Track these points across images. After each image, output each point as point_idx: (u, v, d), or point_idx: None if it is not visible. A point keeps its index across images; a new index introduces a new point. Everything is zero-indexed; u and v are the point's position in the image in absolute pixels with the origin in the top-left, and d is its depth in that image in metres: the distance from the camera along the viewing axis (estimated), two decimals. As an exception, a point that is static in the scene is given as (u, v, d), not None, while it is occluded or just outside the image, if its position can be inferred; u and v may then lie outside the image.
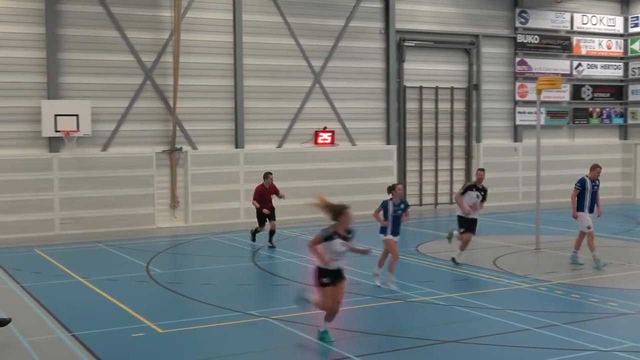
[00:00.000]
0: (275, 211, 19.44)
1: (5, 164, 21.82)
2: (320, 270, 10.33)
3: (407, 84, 27.72)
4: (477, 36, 28.83)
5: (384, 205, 14.17)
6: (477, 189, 16.36)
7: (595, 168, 16.26)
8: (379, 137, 27.38)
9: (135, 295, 13.81)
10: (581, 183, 16.10)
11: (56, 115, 21.89)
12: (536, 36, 29.96)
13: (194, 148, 24.31)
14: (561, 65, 30.58)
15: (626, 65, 32.00)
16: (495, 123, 29.58)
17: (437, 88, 28.28)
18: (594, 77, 31.46)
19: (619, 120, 32.13)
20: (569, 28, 30.76)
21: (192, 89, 24.02)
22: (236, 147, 24.81)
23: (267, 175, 19.30)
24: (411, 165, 28.12)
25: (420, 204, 28.04)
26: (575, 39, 30.87)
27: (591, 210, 16.06)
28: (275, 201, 19.51)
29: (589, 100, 31.39)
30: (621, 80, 32.07)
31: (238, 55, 24.59)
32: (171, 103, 23.61)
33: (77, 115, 22.11)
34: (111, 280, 15.20)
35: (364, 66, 26.83)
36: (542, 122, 27.97)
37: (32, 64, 22.11)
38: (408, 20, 27.54)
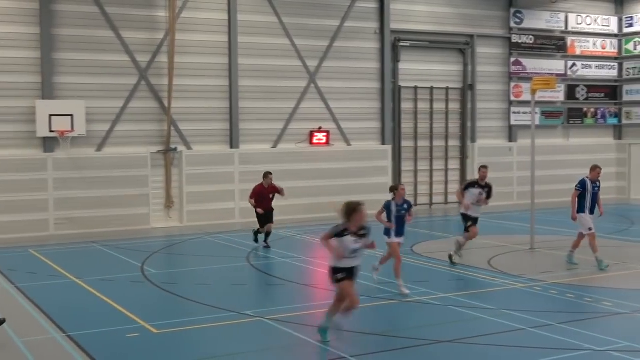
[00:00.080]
0: (274, 212, 19.32)
1: (0, 164, 21.78)
2: (334, 269, 10.30)
3: (402, 84, 27.74)
4: (472, 36, 28.86)
5: (387, 206, 13.97)
6: (480, 186, 16.33)
7: (595, 169, 16.13)
8: (374, 137, 27.39)
9: (130, 296, 13.79)
10: (581, 184, 15.98)
11: (51, 116, 21.85)
12: (531, 36, 30.00)
13: (189, 148, 24.29)
14: (556, 65, 30.63)
15: (620, 66, 32.06)
16: (490, 123, 29.62)
17: (432, 88, 28.31)
18: (589, 77, 31.52)
19: (613, 121, 32.20)
20: (563, 28, 30.82)
21: (187, 89, 24.00)
22: (231, 147, 24.80)
23: (266, 175, 19.13)
24: (406, 165, 28.14)
25: (415, 204, 28.00)
26: (569, 39, 30.93)
27: (592, 212, 15.95)
28: (275, 201, 19.39)
29: (584, 100, 31.46)
30: (615, 81, 32.14)
31: (233, 55, 24.58)
32: (166, 103, 23.58)
33: (71, 115, 22.07)
34: (106, 280, 15.18)
35: (359, 66, 26.84)
36: (537, 122, 28.02)
37: (26, 64, 22.06)
38: (403, 20, 27.56)
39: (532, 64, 30.04)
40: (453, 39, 28.67)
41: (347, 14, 26.50)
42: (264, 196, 19.03)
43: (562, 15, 30.67)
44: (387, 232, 14.07)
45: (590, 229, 15.80)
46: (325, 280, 15.66)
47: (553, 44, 30.60)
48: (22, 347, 10.48)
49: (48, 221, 22.28)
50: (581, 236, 16.00)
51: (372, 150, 27.19)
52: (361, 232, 10.27)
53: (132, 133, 23.48)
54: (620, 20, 31.89)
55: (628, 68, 31.80)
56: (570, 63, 30.98)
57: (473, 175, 28.75)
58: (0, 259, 17.92)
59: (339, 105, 26.54)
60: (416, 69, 27.94)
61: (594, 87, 31.58)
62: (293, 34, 25.62)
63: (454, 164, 29.13)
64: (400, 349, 10.00)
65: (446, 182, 28.83)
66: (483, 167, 16.77)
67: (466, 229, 16.38)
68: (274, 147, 25.58)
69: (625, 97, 31.95)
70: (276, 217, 19.51)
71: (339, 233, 10.16)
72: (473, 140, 29.20)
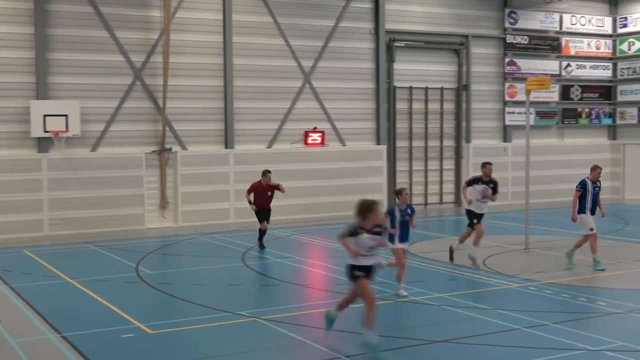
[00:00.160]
0: (271, 212, 19.23)
1: (-6, 164, 21.77)
2: (352, 266, 10.22)
3: (396, 84, 27.75)
4: (466, 36, 28.89)
5: (391, 213, 13.54)
6: (484, 182, 16.20)
7: (595, 169, 16.03)
8: (369, 137, 27.40)
9: (124, 296, 13.77)
10: (582, 185, 15.87)
11: (45, 116, 21.81)
12: (525, 37, 30.05)
13: (184, 148, 24.27)
14: (550, 65, 30.68)
15: (615, 66, 32.12)
16: (484, 123, 29.65)
17: (426, 88, 28.32)
18: (583, 77, 31.58)
19: (607, 121, 32.26)
20: (558, 28, 30.87)
21: (181, 89, 23.98)
22: (226, 148, 24.78)
23: (265, 173, 18.96)
24: (401, 166, 28.15)
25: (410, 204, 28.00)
26: (564, 40, 30.99)
27: (593, 212, 15.85)
28: (273, 201, 19.31)
29: (578, 100, 31.51)
30: (610, 81, 32.20)
31: (228, 55, 24.56)
32: (161, 103, 23.56)
33: (66, 115, 22.03)
34: (100, 280, 15.15)
35: (354, 66, 26.85)
36: (532, 122, 28.08)
37: (20, 64, 22.02)
38: (398, 20, 27.57)
39: (527, 64, 30.09)
40: (448, 39, 28.70)
41: (342, 14, 26.51)
42: (261, 194, 18.90)
43: (556, 16, 30.72)
44: (390, 238, 13.59)
45: (591, 229, 15.75)
46: (320, 281, 15.71)
47: (547, 44, 30.65)
48: (17, 348, 10.46)
49: (42, 221, 22.24)
50: (586, 237, 15.89)
51: (367, 150, 27.21)
52: (376, 230, 10.17)
53: (126, 133, 23.45)
54: (614, 20, 31.96)
55: (622, 68, 31.87)
56: (564, 63, 31.03)
57: (468, 175, 28.84)
58: (-5, 259, 17.91)
59: (334, 106, 26.54)
60: (411, 69, 27.96)
61: (588, 87, 31.64)
62: (288, 34, 25.62)
63: (449, 164, 29.15)
64: (396, 349, 10.00)
65: (441, 182, 28.86)
66: (487, 164, 16.53)
67: (470, 226, 16.25)
68: (269, 147, 25.58)
69: (620, 98, 32.01)
70: (271, 217, 19.43)
71: (354, 232, 10.12)
72: (468, 141, 29.23)
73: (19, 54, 21.98)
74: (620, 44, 31.88)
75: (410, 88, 28.04)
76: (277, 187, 18.99)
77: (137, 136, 23.61)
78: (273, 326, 11.46)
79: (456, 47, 28.79)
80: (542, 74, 29.31)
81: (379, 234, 10.20)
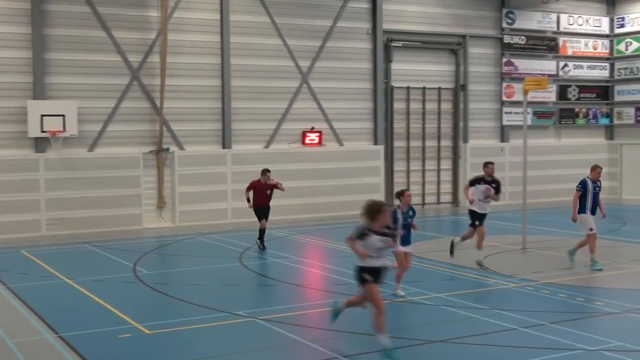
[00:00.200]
0: (269, 212, 19.11)
1: (-9, 164, 21.74)
2: (361, 268, 10.08)
3: (394, 84, 27.76)
4: (464, 37, 28.90)
5: (394, 215, 13.12)
6: (486, 182, 16.00)
7: (595, 169, 15.97)
8: (367, 137, 27.40)
9: (122, 296, 13.76)
10: (582, 185, 15.81)
11: (42, 116, 21.79)
12: (523, 37, 30.07)
13: (181, 148, 24.25)
14: (547, 65, 30.70)
15: (612, 66, 32.16)
16: (482, 123, 29.67)
17: (424, 88, 28.33)
18: (580, 77, 31.60)
19: (605, 121, 32.30)
20: (555, 29, 30.90)
21: (179, 89, 23.96)
22: (223, 148, 24.78)
23: (264, 172, 18.85)
24: (398, 166, 28.16)
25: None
26: (561, 40, 31.01)
27: (593, 212, 15.78)
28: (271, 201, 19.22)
29: (575, 100, 31.54)
30: (607, 81, 32.23)
31: (225, 55, 24.55)
32: (158, 103, 23.54)
33: (63, 115, 22.01)
34: (98, 281, 15.14)
35: (352, 66, 26.85)
36: (529, 122, 28.09)
37: (18, 64, 22.00)
38: (395, 20, 27.58)
39: (524, 64, 30.11)
40: (445, 39, 28.71)
41: (340, 14, 26.51)
42: (260, 192, 18.79)
43: (553, 16, 30.74)
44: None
45: (591, 229, 15.71)
46: (317, 281, 15.70)
47: (545, 44, 30.68)
48: (14, 348, 10.44)
49: (40, 222, 22.21)
50: (588, 237, 15.83)
51: (365, 150, 27.21)
52: (384, 231, 10.04)
53: (124, 133, 23.43)
54: (611, 20, 31.99)
55: (619, 68, 31.91)
56: (562, 63, 31.06)
57: (465, 175, 28.87)
58: (-8, 259, 17.89)
59: (332, 106, 26.54)
60: (408, 69, 27.97)
61: (585, 87, 31.67)
62: (285, 34, 25.61)
63: (446, 164, 29.16)
64: (392, 349, 9.99)
65: (438, 182, 28.87)
66: (490, 163, 16.28)
67: (472, 226, 16.10)
68: (267, 147, 25.57)
69: (617, 98, 32.05)
70: (269, 216, 19.29)
71: (362, 234, 9.99)
72: (465, 141, 29.24)
73: (16, 54, 21.96)
74: (618, 44, 31.91)
75: (408, 88, 28.05)
76: (276, 186, 18.93)
77: (134, 136, 23.60)
78: (270, 326, 11.46)
79: (454, 47, 28.80)
80: (540, 74, 29.32)
81: (387, 235, 10.08)
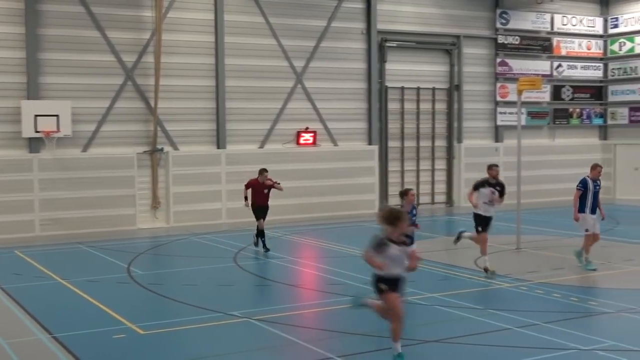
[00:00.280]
0: (268, 211, 18.85)
1: (-15, 164, 21.69)
2: (378, 277, 9.64)
3: (388, 84, 27.77)
4: (458, 37, 28.93)
5: None
6: (491, 185, 15.61)
7: (596, 167, 15.89)
8: (361, 137, 27.41)
9: (116, 297, 13.74)
10: (583, 184, 15.72)
11: (36, 116, 21.75)
12: (517, 37, 30.11)
13: (176, 149, 24.23)
14: (541, 65, 30.76)
15: (606, 66, 32.23)
16: (476, 123, 29.70)
17: (418, 88, 28.35)
18: (574, 77, 31.66)
19: (598, 121, 32.36)
20: (549, 29, 30.95)
21: (173, 89, 23.94)
22: (218, 148, 24.76)
23: (261, 171, 18.69)
24: (393, 166, 28.16)
25: (402, 205, 28.01)
26: (555, 40, 31.07)
27: (593, 212, 15.67)
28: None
29: (569, 100, 31.60)
30: (601, 81, 32.30)
31: (220, 55, 24.54)
32: (152, 103, 23.51)
33: (57, 115, 21.97)
34: (92, 281, 15.12)
35: (346, 66, 26.86)
36: (523, 122, 28.13)
37: (11, 64, 21.94)
38: (390, 20, 27.59)
39: (518, 65, 30.16)
40: (439, 39, 28.73)
41: (334, 15, 26.52)
42: (258, 191, 18.61)
43: (547, 16, 30.80)
44: None
45: (586, 230, 15.66)
46: (312, 281, 15.70)
47: (539, 44, 30.73)
48: (8, 349, 10.42)
49: (34, 222, 22.16)
50: (596, 237, 15.75)
51: (359, 150, 27.22)
52: (403, 240, 9.59)
53: (118, 133, 23.40)
54: (605, 21, 32.06)
55: (613, 69, 31.98)
56: (555, 64, 31.12)
57: (460, 175, 28.95)
58: (-15, 260, 17.85)
59: (326, 106, 26.54)
60: (403, 69, 27.98)
61: (579, 87, 31.73)
62: (280, 34, 25.61)
63: (441, 164, 29.18)
64: (388, 348, 10.00)
65: (433, 183, 28.88)
66: (494, 166, 15.84)
67: (477, 230, 15.65)
68: (261, 147, 25.56)
69: (611, 98, 32.12)
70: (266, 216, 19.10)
71: (381, 245, 9.45)
72: (459, 141, 29.27)
73: (10, 54, 21.91)
74: (611, 44, 31.98)
75: (402, 88, 28.06)
76: (273, 186, 18.76)
77: (128, 136, 23.57)
78: (265, 326, 11.45)
79: (448, 47, 28.83)
80: (534, 74, 29.38)
81: (404, 243, 9.63)
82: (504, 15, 29.79)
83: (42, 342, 10.80)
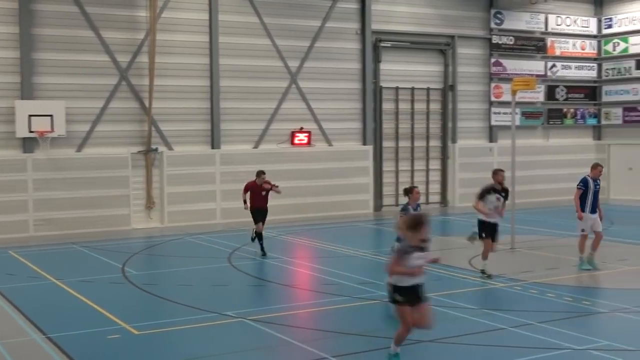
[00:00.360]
0: (267, 214, 18.57)
1: (-21, 164, 21.63)
2: (394, 287, 9.27)
3: (383, 84, 27.78)
4: (452, 37, 28.96)
5: (406, 211, 12.98)
6: (497, 191, 15.06)
7: (596, 167, 15.81)
8: (356, 137, 27.42)
9: (110, 297, 13.72)
10: (584, 183, 15.62)
11: (30, 116, 21.70)
12: (511, 37, 30.16)
13: (170, 149, 24.20)
14: (536, 66, 30.81)
15: (600, 66, 32.30)
16: (470, 123, 29.73)
17: (413, 89, 28.37)
18: (568, 77, 31.72)
19: (592, 121, 32.43)
20: (543, 29, 31.00)
21: (167, 90, 23.92)
22: (212, 148, 24.74)
23: (259, 173, 18.42)
24: (387, 166, 28.17)
25: (397, 204, 28.04)
26: (549, 40, 31.13)
27: (593, 211, 15.58)
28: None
29: (563, 100, 31.66)
30: (595, 81, 32.37)
31: (214, 55, 24.52)
32: (147, 103, 23.49)
33: (51, 115, 21.94)
34: (86, 281, 15.10)
35: (340, 67, 26.86)
36: (517, 122, 28.16)
37: (5, 64, 21.89)
38: (384, 21, 27.61)
39: (512, 65, 30.20)
40: (434, 39, 28.76)
41: (328, 15, 26.52)
42: (256, 193, 18.37)
43: (542, 17, 30.85)
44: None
45: (582, 231, 15.64)
46: (306, 281, 15.70)
47: (533, 44, 30.78)
48: (1, 349, 10.40)
49: (27, 222, 22.12)
50: (599, 235, 15.70)
51: (354, 150, 27.23)
52: (423, 245, 9.23)
53: (112, 133, 23.37)
54: (599, 21, 32.13)
55: (607, 69, 32.05)
56: (550, 64, 31.18)
57: (454, 175, 28.97)
58: (-21, 260, 17.80)
59: (321, 106, 26.55)
60: (397, 69, 28.00)
61: (573, 87, 31.80)
62: (274, 34, 25.60)
63: (435, 165, 29.21)
64: (382, 348, 10.01)
65: (427, 183, 28.90)
66: (500, 171, 15.33)
67: (480, 238, 15.20)
68: (256, 147, 25.55)
69: (605, 98, 32.19)
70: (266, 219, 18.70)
71: (406, 252, 9.09)
72: (454, 141, 29.30)
73: (4, 54, 21.85)
74: (605, 44, 32.05)
75: (397, 88, 28.08)
76: (272, 189, 18.55)
77: (122, 136, 23.53)
78: (260, 326, 11.45)
79: (442, 47, 28.86)
80: (528, 74, 29.45)
81: (425, 249, 9.28)
82: (498, 16, 29.83)
83: (36, 343, 10.79)
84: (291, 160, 25.88)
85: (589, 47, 32.12)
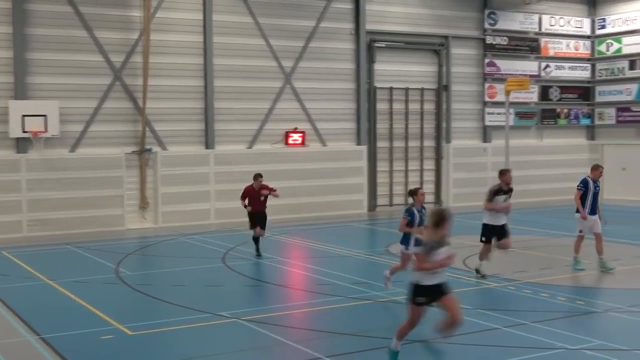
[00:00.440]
0: (266, 218, 18.33)
1: (-28, 165, 21.57)
2: (416, 287, 9.20)
3: (377, 84, 27.80)
4: (446, 37, 28.99)
5: (412, 213, 12.97)
6: (505, 192, 15.01)
7: (597, 168, 15.75)
8: (350, 137, 27.43)
9: (104, 297, 13.70)
10: (584, 184, 15.56)
11: (24, 116, 21.65)
12: (505, 37, 30.20)
13: (164, 149, 24.18)
14: (529, 66, 30.86)
15: (593, 67, 32.37)
16: (464, 124, 29.77)
17: (407, 89, 28.39)
18: (562, 78, 31.79)
19: (586, 121, 32.50)
20: (537, 29, 31.06)
21: (161, 90, 23.89)
22: (206, 148, 24.72)
23: (256, 177, 18.19)
24: (381, 166, 28.19)
25: (391, 204, 28.13)
26: (543, 41, 31.18)
27: (593, 212, 15.52)
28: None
29: (557, 101, 31.73)
30: (588, 82, 32.44)
31: (208, 55, 24.50)
32: (140, 103, 23.46)
33: (45, 115, 21.89)
34: (80, 282, 15.07)
35: (335, 67, 26.87)
36: (511, 122, 28.20)
37: (-1, 64, 21.89)
38: (378, 21, 27.62)
39: (506, 65, 30.25)
40: (428, 39, 28.79)
41: (323, 15, 26.52)
42: (254, 197, 18.15)
43: (535, 17, 30.91)
44: (405, 241, 13.13)
45: (580, 231, 15.62)
46: (300, 281, 15.69)
47: (527, 45, 30.84)
48: (-5, 350, 10.39)
49: (21, 222, 22.06)
50: (599, 236, 15.64)
51: (348, 150, 27.24)
52: (445, 241, 9.15)
53: (106, 134, 23.33)
54: (592, 22, 32.20)
55: (600, 69, 32.12)
56: (543, 64, 31.24)
57: (448, 175, 29.00)
58: (-27, 260, 17.75)
59: (315, 106, 26.55)
60: (391, 69, 28.01)
61: (567, 88, 31.87)
62: (268, 35, 25.59)
63: (429, 165, 29.24)
64: (375, 348, 10.02)
65: (421, 183, 28.87)
66: (507, 171, 15.30)
67: (484, 242, 14.95)
68: (250, 147, 25.54)
69: (598, 98, 32.27)
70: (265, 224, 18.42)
71: (432, 248, 9.02)
72: (448, 141, 29.33)
73: (-3, 54, 21.85)
74: (599, 45, 32.13)
75: (391, 88, 28.10)
76: (270, 193, 18.39)
77: (116, 137, 23.50)
78: (254, 327, 11.44)
79: (436, 47, 28.88)
80: (522, 74, 29.49)
81: (447, 245, 9.18)
82: (492, 16, 29.88)
83: (30, 343, 10.77)
84: (285, 161, 25.87)
85: (583, 48, 32.19)
